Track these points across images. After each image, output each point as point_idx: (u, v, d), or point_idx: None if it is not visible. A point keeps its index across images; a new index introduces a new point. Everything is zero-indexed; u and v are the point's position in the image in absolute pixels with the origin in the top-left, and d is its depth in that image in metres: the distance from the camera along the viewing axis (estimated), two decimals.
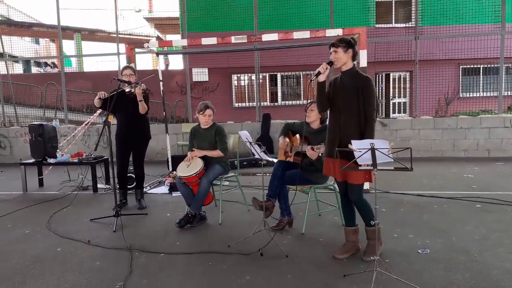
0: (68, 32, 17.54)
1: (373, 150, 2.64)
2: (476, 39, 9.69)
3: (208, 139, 4.60)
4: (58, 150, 6.52)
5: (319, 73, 3.33)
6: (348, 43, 3.33)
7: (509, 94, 11.43)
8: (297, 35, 5.58)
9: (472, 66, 12.22)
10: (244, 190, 5.13)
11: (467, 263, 3.29)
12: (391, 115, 13.43)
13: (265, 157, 3.78)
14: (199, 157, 4.50)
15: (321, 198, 4.86)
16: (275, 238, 3.79)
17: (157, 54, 6.93)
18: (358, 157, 2.73)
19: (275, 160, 4.02)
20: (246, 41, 5.86)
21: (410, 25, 12.77)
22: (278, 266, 3.36)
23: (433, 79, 10.39)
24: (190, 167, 4.39)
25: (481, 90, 12.19)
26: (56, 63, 19.00)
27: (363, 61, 5.45)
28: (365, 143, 2.66)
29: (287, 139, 4.33)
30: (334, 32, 5.53)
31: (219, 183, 4.66)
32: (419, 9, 9.79)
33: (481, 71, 12.50)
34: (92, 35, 19.85)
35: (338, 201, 4.37)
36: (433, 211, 4.71)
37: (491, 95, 11.20)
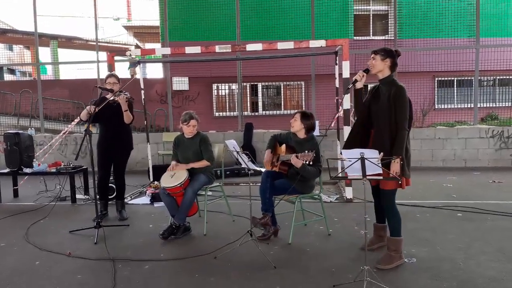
0: (44, 39, 17.14)
1: (362, 159, 2.65)
2: (451, 52, 9.99)
3: (193, 149, 4.54)
4: (34, 160, 6.31)
5: (355, 81, 3.40)
6: (387, 53, 3.42)
7: (483, 105, 11.81)
8: (281, 45, 5.61)
9: (447, 78, 12.59)
10: (228, 200, 5.08)
11: (453, 272, 3.32)
12: None
13: (252, 166, 3.76)
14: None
15: (306, 207, 4.85)
16: (261, 248, 3.75)
17: (139, 62, 6.84)
18: (347, 167, 2.73)
19: (263, 170, 3.99)
20: (230, 50, 5.85)
21: (387, 38, 13.10)
22: (266, 278, 3.32)
23: (410, 91, 10.54)
24: (175, 178, 4.32)
25: (455, 101, 12.56)
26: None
27: (345, 72, 5.52)
28: (355, 152, 2.67)
29: (271, 153, 4.33)
30: (318, 43, 5.59)
31: (203, 193, 4.59)
32: (397, 22, 10.03)
33: (455, 83, 12.90)
34: (69, 42, 19.48)
35: (323, 210, 4.39)
36: (416, 220, 4.76)
37: (465, 106, 11.58)
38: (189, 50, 5.79)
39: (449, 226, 4.54)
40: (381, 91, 3.43)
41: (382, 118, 3.34)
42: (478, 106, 9.19)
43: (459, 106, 11.78)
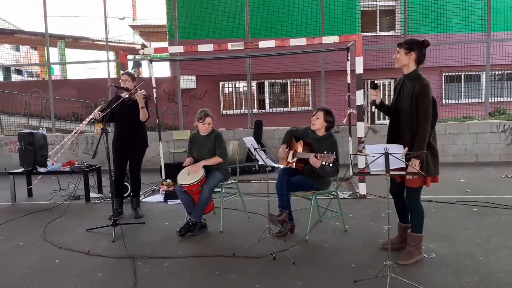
0: (52, 39, 17.18)
1: (386, 154, 2.64)
2: (460, 47, 9.93)
3: (208, 146, 4.55)
4: (48, 159, 6.35)
5: (374, 102, 3.37)
6: (411, 46, 3.27)
7: (491, 100, 11.74)
8: (294, 42, 5.60)
9: (454, 73, 12.51)
10: (242, 197, 5.08)
11: (474, 267, 3.31)
12: (376, 121, 13.62)
13: (270, 163, 3.75)
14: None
15: (322, 203, 4.85)
16: (280, 245, 3.76)
17: (151, 61, 6.85)
18: (371, 162, 2.73)
19: (281, 166, 3.98)
20: (243, 48, 5.85)
21: (394, 34, 13.03)
22: (286, 274, 3.33)
23: None
24: (191, 175, 4.33)
25: (462, 96, 12.49)
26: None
27: (359, 68, 5.50)
28: (380, 147, 2.66)
29: (286, 149, 4.29)
30: (331, 39, 5.56)
31: (218, 190, 4.60)
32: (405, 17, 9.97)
33: (462, 78, 12.83)
34: (76, 42, 19.53)
35: (340, 207, 4.38)
36: (432, 216, 4.75)
37: (472, 101, 11.52)
38: (201, 48, 5.79)
39: (466, 221, 4.53)
40: (405, 87, 3.35)
41: (405, 116, 3.28)
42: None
43: (466, 101, 11.73)
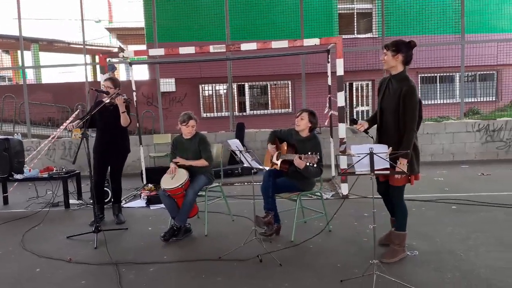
0: (25, 42, 16.75)
1: (371, 154, 2.68)
2: (435, 49, 10.18)
3: (192, 149, 4.52)
4: (25, 165, 6.18)
5: (366, 131, 3.50)
6: (398, 48, 3.30)
7: (465, 100, 12.08)
8: (276, 44, 5.63)
9: (430, 74, 12.82)
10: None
11: (455, 263, 3.40)
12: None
13: (256, 165, 3.76)
14: (184, 169, 4.40)
15: (305, 205, 4.88)
16: (265, 246, 3.76)
17: (131, 63, 6.77)
18: (356, 162, 2.76)
19: (267, 168, 3.99)
20: (225, 50, 5.84)
21: (371, 36, 13.27)
22: (273, 275, 3.33)
23: None
24: (175, 179, 4.29)
25: (438, 97, 12.81)
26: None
27: (339, 70, 5.57)
28: (365, 147, 2.70)
29: (274, 147, 4.32)
30: (312, 42, 5.62)
31: (203, 194, 4.58)
32: (381, 20, 10.17)
33: (438, 79, 13.16)
34: (50, 45, 19.07)
35: (324, 207, 4.42)
36: (413, 214, 4.80)
37: (447, 102, 11.84)
38: (183, 50, 5.75)
39: (446, 218, 4.63)
40: (391, 86, 3.39)
41: (390, 115, 3.33)
42: (459, 101, 9.40)
43: (441, 102, 12.04)
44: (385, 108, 3.40)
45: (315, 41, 5.59)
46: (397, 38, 3.50)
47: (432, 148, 8.82)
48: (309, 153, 3.78)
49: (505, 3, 11.15)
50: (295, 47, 5.80)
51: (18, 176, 5.98)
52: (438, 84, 13.23)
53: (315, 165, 3.73)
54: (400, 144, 3.21)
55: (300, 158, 3.83)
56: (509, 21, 11.26)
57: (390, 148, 2.86)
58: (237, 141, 3.82)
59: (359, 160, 2.72)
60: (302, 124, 4.12)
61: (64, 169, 6.15)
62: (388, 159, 2.71)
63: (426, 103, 12.40)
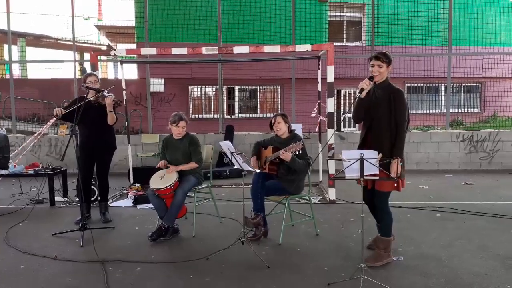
0: (12, 37, 16.48)
1: (361, 160, 2.73)
2: (422, 60, 10.37)
3: (182, 150, 4.52)
4: (10, 161, 6.08)
5: (362, 89, 3.40)
6: (389, 59, 3.46)
7: (451, 111, 12.33)
8: (268, 49, 5.67)
9: (416, 84, 13.05)
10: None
11: (439, 269, 3.47)
12: (342, 129, 13.96)
13: (247, 167, 3.78)
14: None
15: (292, 208, 4.91)
16: (253, 248, 3.78)
17: (121, 62, 6.73)
18: (347, 167, 2.81)
19: (257, 171, 4.02)
20: (217, 52, 5.87)
21: (360, 44, 13.45)
22: (261, 278, 3.35)
23: None
24: (164, 179, 4.28)
25: (424, 107, 13.04)
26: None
27: (330, 76, 5.64)
28: (356, 153, 2.75)
29: (257, 160, 4.47)
30: (304, 48, 5.69)
31: (192, 195, 4.58)
32: (371, 29, 10.33)
33: (424, 89, 13.40)
34: (37, 40, 18.80)
35: (312, 211, 4.46)
36: (399, 221, 4.91)
37: (432, 112, 12.06)
38: (175, 51, 5.75)
39: (430, 225, 4.72)
40: (377, 94, 3.48)
41: (382, 121, 3.40)
42: (445, 111, 9.59)
43: (427, 112, 12.25)
44: (374, 116, 3.47)
45: (307, 47, 5.66)
46: (385, 47, 3.61)
47: (418, 156, 8.97)
48: (292, 144, 3.92)
49: (490, 18, 11.43)
50: (287, 52, 5.85)
51: (3, 172, 5.89)
52: (424, 94, 13.46)
53: (300, 152, 3.87)
54: (394, 146, 3.31)
55: (286, 150, 3.94)
56: (494, 35, 11.55)
57: (380, 154, 2.92)
58: (228, 142, 3.84)
59: (350, 165, 2.76)
60: (282, 128, 4.29)
61: (50, 166, 6.08)
62: (377, 165, 2.77)
63: (412, 112, 12.61)
